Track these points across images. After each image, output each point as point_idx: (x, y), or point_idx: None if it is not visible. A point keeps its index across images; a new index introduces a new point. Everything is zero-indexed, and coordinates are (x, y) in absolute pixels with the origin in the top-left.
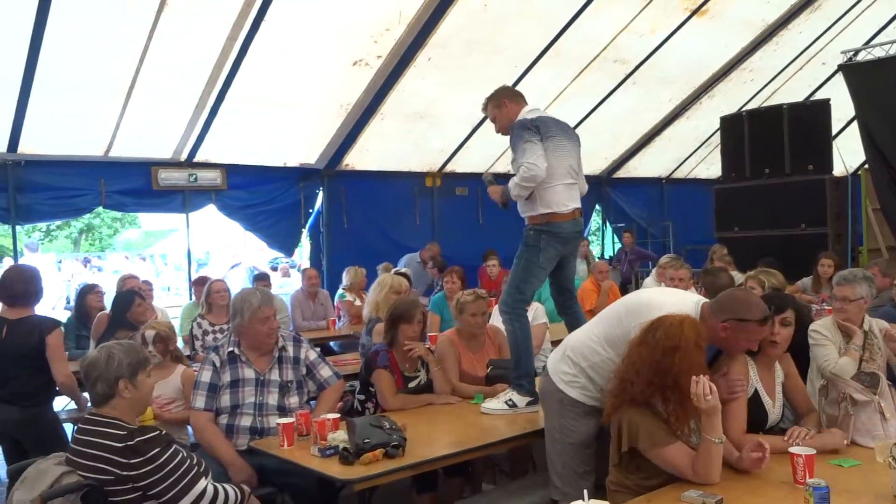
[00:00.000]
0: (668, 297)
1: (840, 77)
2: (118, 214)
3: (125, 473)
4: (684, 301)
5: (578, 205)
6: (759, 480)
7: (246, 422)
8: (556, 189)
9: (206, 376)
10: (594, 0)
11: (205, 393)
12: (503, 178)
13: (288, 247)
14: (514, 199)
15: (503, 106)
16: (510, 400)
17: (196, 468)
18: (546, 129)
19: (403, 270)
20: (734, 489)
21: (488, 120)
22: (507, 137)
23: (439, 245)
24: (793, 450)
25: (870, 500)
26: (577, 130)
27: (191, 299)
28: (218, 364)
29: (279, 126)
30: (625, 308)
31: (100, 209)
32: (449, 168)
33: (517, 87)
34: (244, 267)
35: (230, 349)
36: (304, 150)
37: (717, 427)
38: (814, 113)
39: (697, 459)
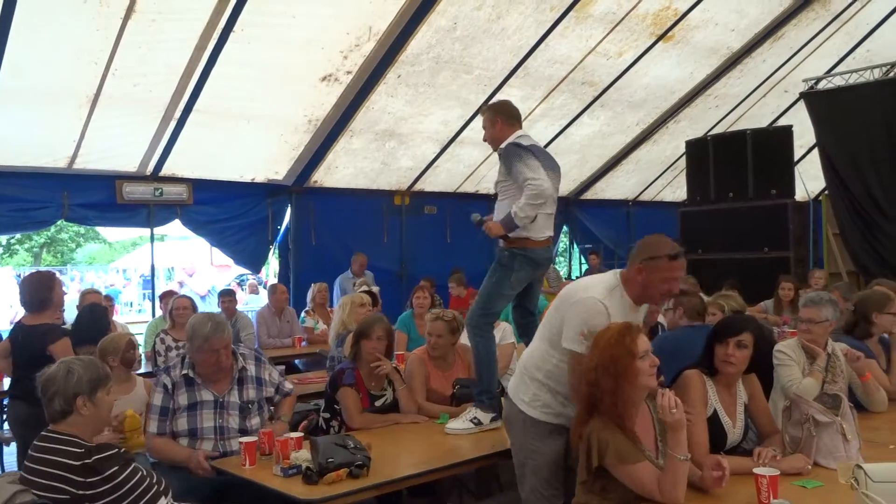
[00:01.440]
0: (592, 279)
1: (802, 104)
2: (82, 229)
3: (81, 492)
4: (605, 276)
5: (552, 233)
6: (723, 501)
7: (207, 446)
8: (537, 217)
9: (158, 399)
10: (563, 21)
11: (156, 417)
12: (473, 200)
13: (255, 263)
14: (521, 224)
15: (496, 123)
16: (475, 418)
17: (156, 487)
18: (542, 158)
19: (374, 290)
20: None
21: (460, 136)
22: (481, 156)
23: (404, 262)
24: (757, 470)
25: None
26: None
27: (153, 315)
28: (170, 386)
29: (247, 141)
30: (557, 300)
31: (62, 222)
32: (418, 187)
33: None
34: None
35: (185, 372)
36: (272, 165)
37: (682, 443)
38: (776, 139)
39: (663, 477)
